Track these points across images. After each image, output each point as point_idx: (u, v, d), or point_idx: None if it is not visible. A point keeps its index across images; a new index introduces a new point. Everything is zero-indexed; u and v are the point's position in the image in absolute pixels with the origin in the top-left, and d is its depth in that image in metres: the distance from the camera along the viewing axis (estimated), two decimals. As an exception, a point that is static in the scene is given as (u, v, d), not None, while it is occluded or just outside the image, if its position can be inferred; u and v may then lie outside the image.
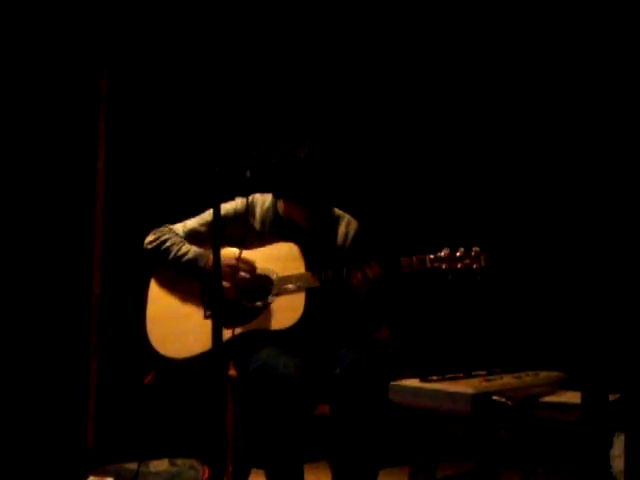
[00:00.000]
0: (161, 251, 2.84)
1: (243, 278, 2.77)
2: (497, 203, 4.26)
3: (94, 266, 3.95)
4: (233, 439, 2.88)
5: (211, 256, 2.74)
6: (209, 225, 2.87)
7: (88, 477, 3.18)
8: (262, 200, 2.96)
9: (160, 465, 3.27)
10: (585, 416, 2.09)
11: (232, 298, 2.78)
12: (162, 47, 4.08)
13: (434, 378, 2.36)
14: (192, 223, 2.91)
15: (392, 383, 2.35)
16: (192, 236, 2.89)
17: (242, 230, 2.79)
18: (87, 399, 3.87)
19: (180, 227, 2.91)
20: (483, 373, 2.51)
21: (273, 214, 2.93)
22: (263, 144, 2.68)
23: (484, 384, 2.29)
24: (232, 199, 2.92)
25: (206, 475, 3.22)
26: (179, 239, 2.87)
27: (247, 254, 2.79)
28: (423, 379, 2.35)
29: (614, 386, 2.16)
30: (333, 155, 2.82)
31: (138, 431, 3.67)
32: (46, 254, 3.84)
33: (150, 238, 2.89)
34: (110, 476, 3.18)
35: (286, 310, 2.74)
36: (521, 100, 4.19)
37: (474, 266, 2.69)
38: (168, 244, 2.85)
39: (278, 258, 2.82)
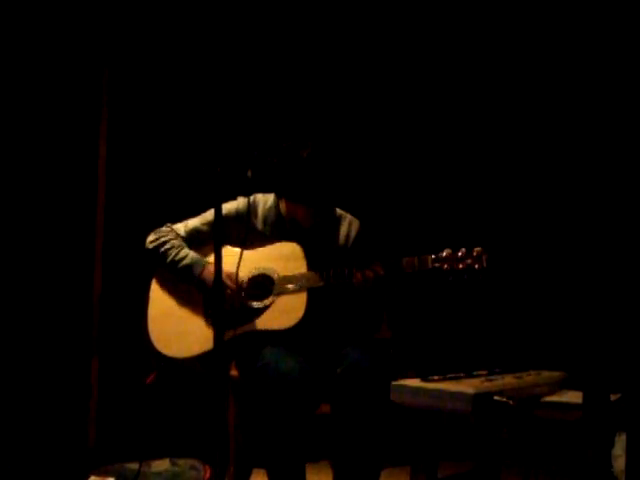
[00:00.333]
0: (160, 253, 2.85)
1: (230, 296, 2.77)
2: (499, 203, 4.26)
3: (96, 265, 3.96)
4: (235, 439, 2.89)
5: (208, 265, 2.78)
6: (210, 224, 2.87)
7: (89, 477, 3.19)
8: (264, 200, 2.96)
9: (161, 465, 3.28)
10: (586, 416, 2.09)
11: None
12: (164, 46, 4.08)
13: (435, 378, 2.36)
14: (193, 222, 2.92)
15: (393, 383, 2.35)
16: (193, 235, 2.89)
17: (244, 230, 2.79)
18: (88, 399, 3.87)
19: (182, 226, 2.92)
20: (484, 373, 2.51)
21: (275, 214, 2.93)
22: (265, 144, 2.69)
23: (485, 384, 2.29)
24: (234, 199, 2.92)
25: (207, 475, 3.22)
26: (178, 242, 2.87)
27: (249, 254, 2.79)
28: (424, 379, 2.35)
29: (615, 386, 2.17)
30: (335, 155, 2.82)
31: (139, 431, 3.67)
32: (47, 253, 3.84)
33: (151, 238, 2.89)
34: (111, 476, 3.18)
35: (288, 310, 2.74)
36: (523, 101, 4.19)
37: (476, 266, 2.68)
38: (167, 247, 2.85)
39: (280, 258, 2.82)
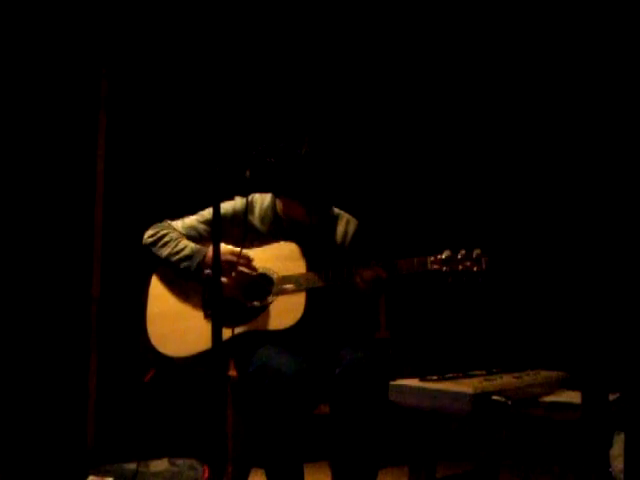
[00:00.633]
0: (159, 246, 2.86)
1: (242, 273, 2.77)
2: (498, 204, 4.26)
3: (94, 264, 3.96)
4: (233, 439, 2.88)
5: (209, 252, 2.77)
6: (208, 223, 2.88)
7: (88, 477, 3.19)
8: (261, 200, 2.96)
9: (160, 465, 3.28)
10: (585, 416, 2.09)
11: (231, 295, 2.78)
12: (161, 47, 4.08)
13: (434, 378, 2.36)
14: (191, 220, 2.92)
15: (392, 383, 2.35)
16: (191, 233, 2.90)
17: (241, 229, 2.79)
18: (87, 398, 3.87)
19: (179, 223, 2.92)
20: (483, 373, 2.51)
21: (272, 213, 2.93)
22: (263, 144, 2.69)
23: (484, 384, 2.29)
24: (231, 198, 2.92)
25: (206, 475, 3.22)
26: (177, 234, 2.88)
27: (247, 254, 2.79)
28: (423, 379, 2.35)
29: (614, 386, 2.17)
30: (333, 153, 2.82)
31: (138, 430, 3.67)
32: (46, 253, 3.84)
33: (149, 232, 2.90)
34: (110, 476, 3.18)
35: (287, 310, 2.74)
36: (522, 101, 4.19)
37: (475, 268, 2.68)
38: (166, 239, 2.86)
39: (279, 258, 2.82)
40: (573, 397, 2.29)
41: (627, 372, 2.12)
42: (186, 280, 2.85)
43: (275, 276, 2.80)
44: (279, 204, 2.93)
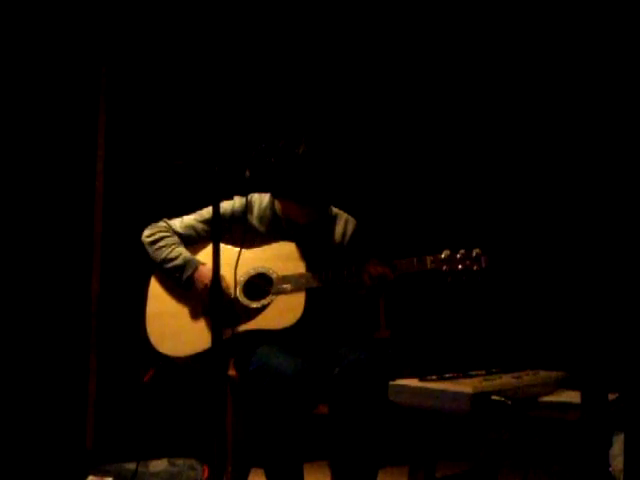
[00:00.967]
0: (155, 249, 2.87)
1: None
2: (497, 204, 4.26)
3: (94, 263, 3.95)
4: (232, 439, 2.88)
5: (200, 268, 2.79)
6: (206, 222, 2.89)
7: (88, 477, 3.19)
8: (260, 199, 2.97)
9: (159, 465, 3.28)
10: (584, 416, 2.09)
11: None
12: (161, 47, 4.08)
13: (433, 378, 2.36)
14: (189, 220, 2.93)
15: (391, 383, 2.35)
16: (189, 232, 2.91)
17: (240, 229, 2.80)
18: (86, 398, 3.87)
19: (177, 222, 2.93)
20: (482, 373, 2.51)
21: (271, 213, 2.93)
22: (263, 144, 2.69)
23: (483, 384, 2.29)
24: (230, 198, 2.92)
25: (206, 475, 3.22)
26: (173, 240, 2.88)
27: (247, 253, 2.80)
28: (422, 379, 2.35)
29: (613, 385, 2.17)
30: (331, 152, 2.82)
31: (138, 430, 3.67)
32: (45, 252, 3.84)
33: (147, 232, 2.91)
34: (110, 476, 3.18)
35: (286, 310, 2.74)
36: (521, 101, 4.19)
37: (474, 268, 2.68)
38: (162, 244, 2.87)
39: (278, 258, 2.82)
40: (572, 397, 2.29)
41: (626, 372, 2.12)
42: (177, 285, 2.86)
43: (274, 276, 2.80)
44: (278, 204, 2.93)
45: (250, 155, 2.60)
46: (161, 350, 2.80)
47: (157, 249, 2.86)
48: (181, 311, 2.85)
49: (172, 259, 2.84)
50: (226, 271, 2.66)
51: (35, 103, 3.84)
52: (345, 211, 3.04)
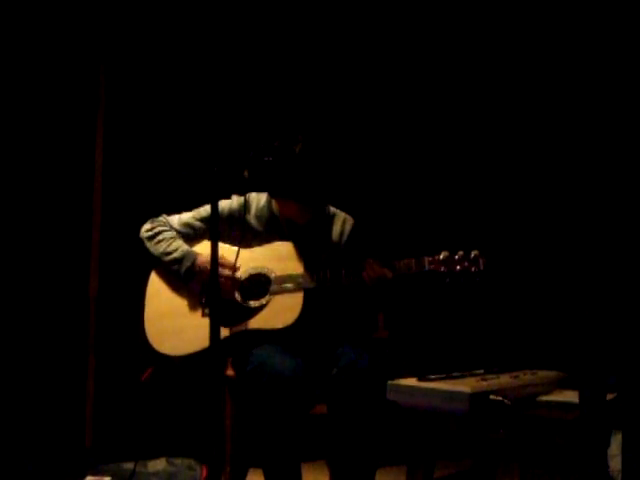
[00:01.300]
0: (153, 243, 2.88)
1: (225, 278, 2.77)
2: (496, 205, 4.26)
3: (92, 263, 3.95)
4: (231, 438, 2.88)
5: (198, 258, 2.79)
6: (204, 220, 2.89)
7: (86, 477, 3.18)
8: (257, 199, 2.97)
9: (158, 464, 3.27)
10: (582, 415, 2.09)
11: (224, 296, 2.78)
12: (159, 46, 4.08)
13: (431, 377, 2.36)
14: (187, 217, 2.93)
15: (390, 382, 2.36)
16: (186, 229, 2.91)
17: (237, 228, 2.80)
18: (85, 398, 3.87)
19: (175, 219, 2.94)
20: (481, 372, 2.51)
21: (268, 212, 2.93)
22: (260, 143, 2.69)
23: (482, 383, 2.29)
24: (228, 198, 2.93)
25: (204, 474, 3.22)
26: (171, 234, 2.89)
27: (245, 253, 2.80)
28: (421, 378, 2.36)
29: (611, 385, 2.17)
30: (328, 151, 2.82)
31: (136, 430, 3.67)
32: (43, 252, 3.84)
33: (146, 227, 2.92)
34: (108, 476, 3.18)
35: (284, 309, 2.74)
36: (520, 102, 4.19)
37: (472, 269, 2.68)
38: (160, 237, 2.88)
39: (276, 257, 2.83)
40: (571, 397, 2.29)
41: (624, 371, 2.13)
42: (176, 279, 2.86)
43: (272, 275, 2.80)
44: (275, 203, 2.93)
45: (248, 155, 2.61)
46: (161, 349, 2.80)
47: (156, 243, 2.88)
48: (179, 310, 2.85)
49: (170, 252, 2.85)
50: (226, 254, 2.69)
51: (34, 101, 3.84)
52: (343, 211, 3.04)
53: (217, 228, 2.35)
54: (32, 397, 3.74)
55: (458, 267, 2.69)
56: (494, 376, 2.43)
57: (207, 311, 2.80)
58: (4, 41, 3.76)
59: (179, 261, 2.83)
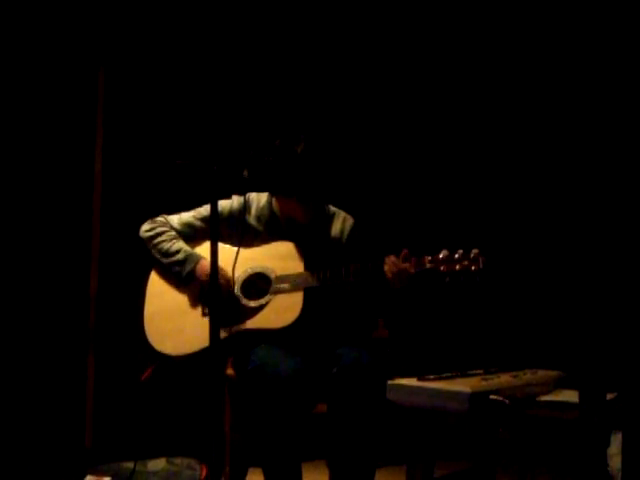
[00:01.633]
0: (154, 243, 2.88)
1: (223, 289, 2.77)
2: (496, 204, 4.26)
3: (92, 262, 3.95)
4: (231, 438, 2.88)
5: (201, 262, 2.79)
6: (204, 220, 2.89)
7: (86, 476, 3.18)
8: (257, 199, 2.97)
9: (158, 464, 3.27)
10: (583, 415, 2.09)
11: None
12: (159, 46, 4.08)
13: (432, 377, 2.36)
14: (188, 217, 2.93)
15: (390, 382, 2.36)
16: (186, 229, 2.91)
17: (237, 229, 2.80)
18: (85, 398, 3.87)
19: (176, 219, 2.93)
20: (480, 372, 2.51)
21: (269, 212, 2.93)
22: (260, 143, 2.69)
23: (482, 383, 2.29)
24: (228, 197, 2.93)
25: (204, 474, 3.22)
26: (172, 235, 2.88)
27: (245, 252, 2.80)
28: (421, 378, 2.35)
29: (611, 385, 2.17)
30: (330, 151, 2.82)
31: (136, 430, 3.67)
32: (43, 252, 3.84)
33: (146, 227, 2.91)
34: (108, 475, 3.18)
35: (284, 309, 2.74)
36: (520, 101, 4.19)
37: (472, 268, 2.68)
38: (161, 238, 2.87)
39: (276, 257, 2.82)
40: (571, 396, 2.29)
41: (624, 371, 2.13)
42: (178, 280, 2.86)
43: (273, 275, 2.80)
44: (276, 203, 2.93)
45: (248, 154, 2.60)
46: (161, 349, 2.80)
47: (157, 243, 2.87)
48: (179, 310, 2.84)
49: (173, 253, 2.84)
50: (225, 266, 2.68)
51: (33, 103, 3.84)
52: (343, 210, 3.04)
53: (217, 228, 2.35)
54: (32, 397, 3.74)
55: (458, 266, 2.68)
56: (494, 376, 2.43)
57: (207, 311, 2.80)
58: (5, 44, 3.76)
59: (181, 263, 2.83)
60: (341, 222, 2.99)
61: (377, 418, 2.63)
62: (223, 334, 2.58)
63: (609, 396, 2.17)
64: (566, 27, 4.00)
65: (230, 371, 2.89)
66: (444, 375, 2.41)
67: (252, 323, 2.76)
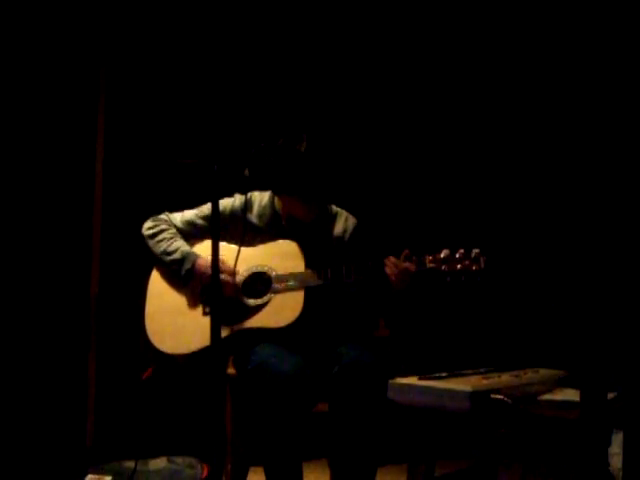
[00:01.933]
0: (155, 241, 2.89)
1: (225, 282, 2.77)
2: (497, 204, 4.26)
3: (93, 261, 3.95)
4: (232, 437, 2.89)
5: (198, 260, 2.80)
6: (206, 218, 2.89)
7: (87, 475, 3.19)
8: (260, 197, 2.97)
9: (159, 463, 3.27)
10: (584, 414, 2.09)
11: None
12: (160, 45, 4.08)
13: (433, 376, 2.36)
14: (190, 215, 2.94)
15: (391, 381, 2.36)
16: (188, 227, 2.92)
17: (239, 227, 2.80)
18: (86, 396, 3.87)
19: (178, 217, 2.94)
20: (482, 371, 2.51)
21: (271, 211, 2.93)
22: (262, 142, 2.69)
23: (483, 382, 2.29)
24: (231, 196, 2.93)
25: (205, 473, 3.22)
26: (172, 233, 2.89)
27: (246, 251, 2.80)
28: (422, 377, 2.35)
29: (613, 384, 2.17)
30: (332, 150, 2.82)
31: (137, 429, 3.67)
32: (44, 251, 3.84)
33: (148, 225, 2.92)
34: (109, 474, 3.18)
35: (285, 308, 2.74)
36: (521, 101, 4.19)
37: (473, 268, 2.68)
38: (161, 237, 2.88)
39: (277, 256, 2.82)
40: (572, 395, 2.29)
41: (625, 370, 2.13)
42: (177, 279, 2.86)
43: (274, 274, 2.80)
44: (278, 202, 2.93)
45: (250, 153, 2.61)
46: (162, 348, 2.80)
47: (157, 242, 2.88)
48: (181, 308, 2.85)
49: (171, 252, 2.85)
50: (227, 260, 2.70)
51: (34, 103, 3.84)
52: (345, 209, 3.04)
53: (218, 227, 2.35)
54: (32, 396, 3.74)
55: (459, 266, 2.68)
56: (495, 375, 2.43)
57: (208, 309, 2.80)
58: (6, 44, 3.76)
59: (179, 262, 2.83)
60: (343, 221, 2.99)
61: (378, 417, 2.63)
62: (224, 333, 2.58)
63: (610, 395, 2.17)
64: (566, 27, 4.00)
65: (231, 370, 2.89)
66: (445, 374, 2.41)
67: (253, 322, 2.76)
